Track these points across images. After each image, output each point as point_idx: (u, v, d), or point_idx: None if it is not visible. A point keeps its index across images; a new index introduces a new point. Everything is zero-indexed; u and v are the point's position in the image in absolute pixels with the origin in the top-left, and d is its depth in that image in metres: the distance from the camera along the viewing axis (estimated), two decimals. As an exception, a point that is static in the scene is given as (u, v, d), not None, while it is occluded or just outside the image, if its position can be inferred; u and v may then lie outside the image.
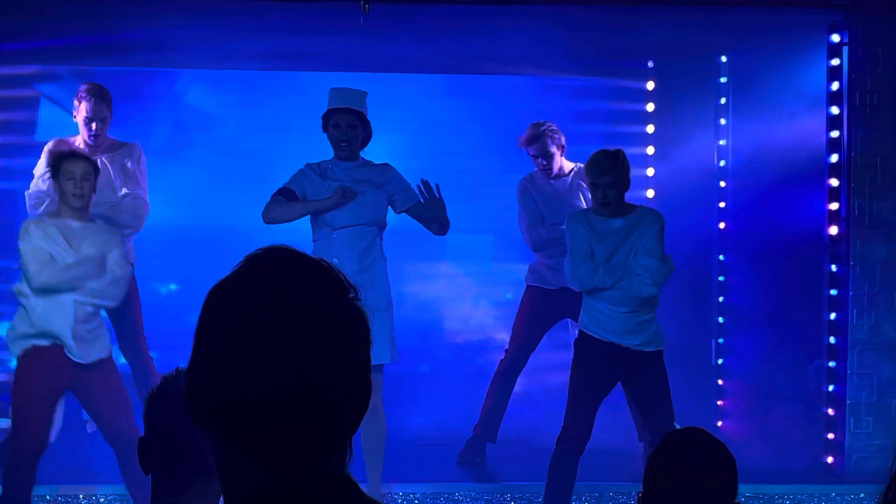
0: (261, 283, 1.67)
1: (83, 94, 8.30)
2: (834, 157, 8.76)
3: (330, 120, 7.51)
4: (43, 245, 6.91)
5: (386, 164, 7.71)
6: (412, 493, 8.03)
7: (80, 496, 7.88)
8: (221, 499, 1.76)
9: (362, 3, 7.57)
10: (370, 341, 1.71)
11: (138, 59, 10.53)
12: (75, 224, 7.03)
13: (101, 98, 8.32)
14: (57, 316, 6.91)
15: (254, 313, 1.64)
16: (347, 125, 7.46)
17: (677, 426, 8.35)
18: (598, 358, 7.30)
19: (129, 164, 8.43)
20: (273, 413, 1.62)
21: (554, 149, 8.98)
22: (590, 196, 7.54)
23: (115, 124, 10.94)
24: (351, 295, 1.71)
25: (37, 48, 10.36)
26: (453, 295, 11.11)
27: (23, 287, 7.01)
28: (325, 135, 7.60)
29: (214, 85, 11.07)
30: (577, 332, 7.56)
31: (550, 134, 8.98)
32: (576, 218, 7.44)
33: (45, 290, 6.89)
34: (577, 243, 7.33)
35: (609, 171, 7.22)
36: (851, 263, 8.66)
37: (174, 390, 3.03)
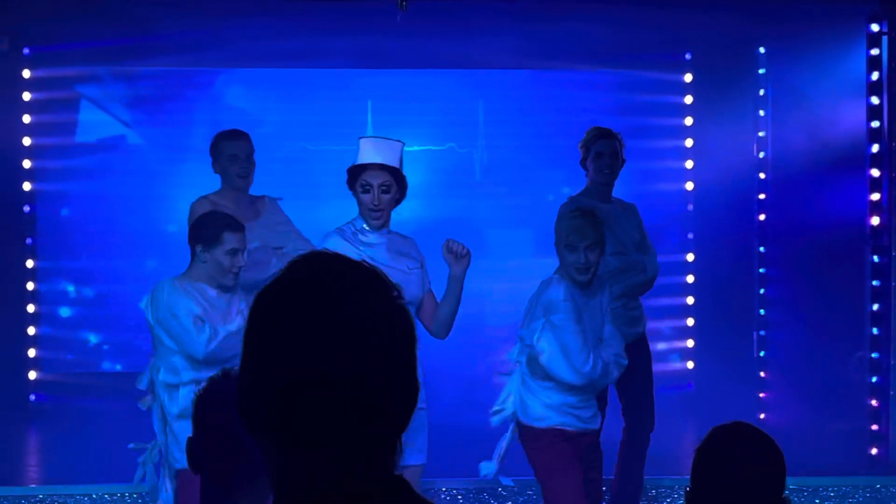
0: (306, 285, 1.69)
1: (223, 136, 7.23)
2: (875, 147, 8.71)
3: (359, 177, 6.06)
4: (197, 311, 6.03)
5: (412, 239, 6.38)
6: (455, 489, 8.04)
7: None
8: (270, 497, 1.77)
9: (399, 0, 7.48)
10: (416, 339, 1.72)
11: (178, 59, 10.60)
12: (211, 291, 6.13)
13: (241, 135, 7.28)
14: None
15: (300, 316, 1.65)
16: (380, 187, 6.01)
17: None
18: (569, 450, 6.29)
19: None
20: (323, 414, 1.63)
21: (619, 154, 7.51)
22: (566, 261, 6.22)
23: (154, 124, 11.03)
24: (395, 293, 1.72)
25: (77, 50, 10.45)
26: (493, 290, 11.11)
27: (175, 364, 6.05)
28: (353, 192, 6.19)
29: (253, 84, 11.11)
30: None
31: (621, 140, 7.50)
32: (563, 289, 6.15)
33: (211, 363, 5.85)
34: (571, 324, 6.10)
35: (590, 232, 6.11)
36: (894, 254, 8.60)
37: (221, 390, 3.05)
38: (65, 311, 10.93)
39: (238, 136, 7.22)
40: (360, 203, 6.08)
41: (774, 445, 3.22)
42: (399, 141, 6.14)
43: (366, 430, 1.66)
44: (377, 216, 6.04)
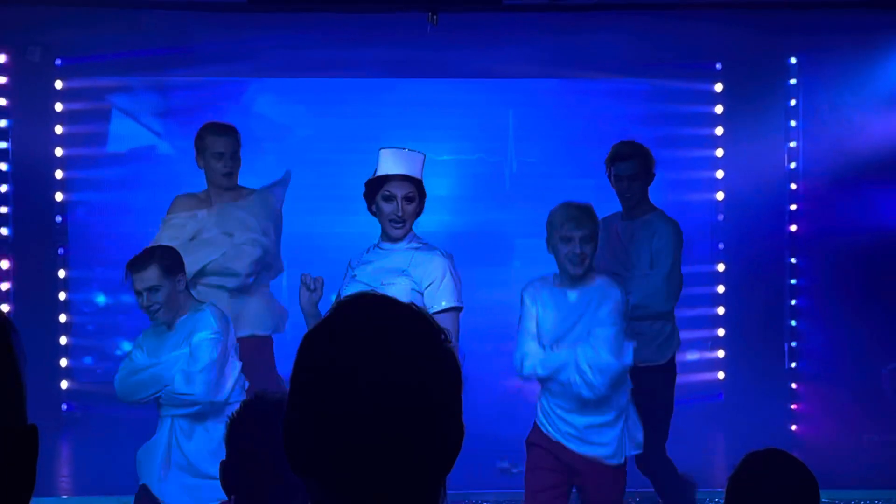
0: (353, 329, 1.69)
1: (209, 130, 7.15)
2: (907, 158, 8.68)
3: (381, 189, 5.89)
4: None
5: (437, 255, 5.95)
6: (485, 501, 8.04)
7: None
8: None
9: (430, 14, 7.48)
10: (461, 382, 1.73)
11: (209, 69, 10.64)
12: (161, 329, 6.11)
13: (228, 130, 7.16)
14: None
15: (348, 361, 1.66)
16: (404, 197, 5.85)
17: None
18: (547, 455, 6.15)
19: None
20: (369, 458, 1.64)
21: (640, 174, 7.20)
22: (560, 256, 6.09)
23: (185, 135, 11.07)
24: (442, 337, 1.73)
25: (108, 61, 10.51)
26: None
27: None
28: (369, 206, 6.01)
29: (284, 94, 11.14)
30: None
31: (648, 155, 7.20)
32: (531, 286, 6.21)
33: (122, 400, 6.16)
34: (525, 321, 6.14)
35: (587, 222, 5.98)
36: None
37: (255, 414, 3.06)
38: (96, 321, 10.97)
39: (224, 131, 7.07)
40: (380, 213, 5.91)
41: (808, 473, 3.21)
42: (420, 153, 5.99)
43: (410, 473, 1.67)
44: (399, 226, 5.88)
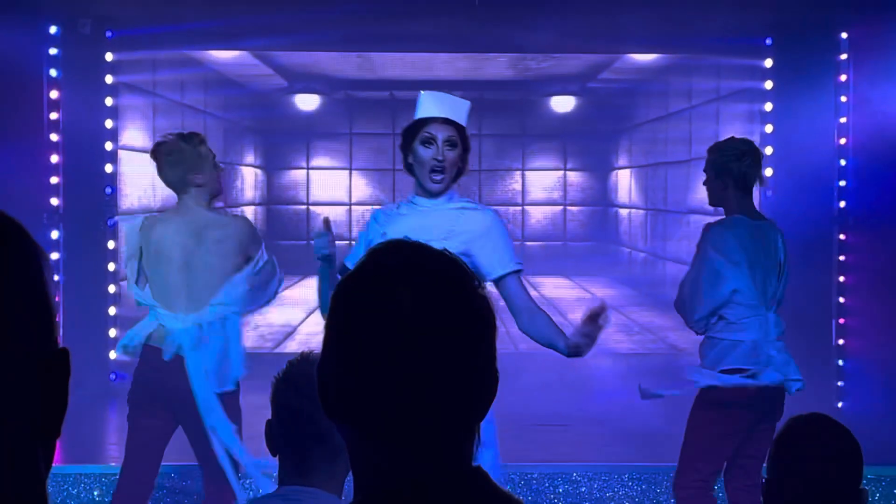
0: (387, 274, 1.70)
1: None
2: (959, 134, 8.59)
3: (419, 133, 5.10)
4: None
5: (489, 212, 5.23)
6: (529, 473, 8.04)
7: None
8: (347, 480, 1.79)
9: (478, -13, 7.45)
10: (496, 328, 1.73)
11: (257, 42, 10.69)
12: None
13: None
14: None
15: (383, 305, 1.67)
16: (445, 140, 5.05)
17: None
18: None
19: None
20: (404, 403, 1.64)
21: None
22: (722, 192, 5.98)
23: (232, 107, 11.12)
24: (475, 282, 1.73)
25: (159, 33, 10.58)
26: (568, 271, 11.10)
27: None
28: (405, 157, 5.17)
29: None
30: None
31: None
32: (721, 233, 6.01)
33: None
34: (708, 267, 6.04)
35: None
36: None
37: (300, 374, 3.08)
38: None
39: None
40: (418, 163, 5.06)
41: (852, 437, 3.20)
42: (466, 100, 5.21)
43: (444, 420, 1.67)
44: (439, 177, 5.05)
